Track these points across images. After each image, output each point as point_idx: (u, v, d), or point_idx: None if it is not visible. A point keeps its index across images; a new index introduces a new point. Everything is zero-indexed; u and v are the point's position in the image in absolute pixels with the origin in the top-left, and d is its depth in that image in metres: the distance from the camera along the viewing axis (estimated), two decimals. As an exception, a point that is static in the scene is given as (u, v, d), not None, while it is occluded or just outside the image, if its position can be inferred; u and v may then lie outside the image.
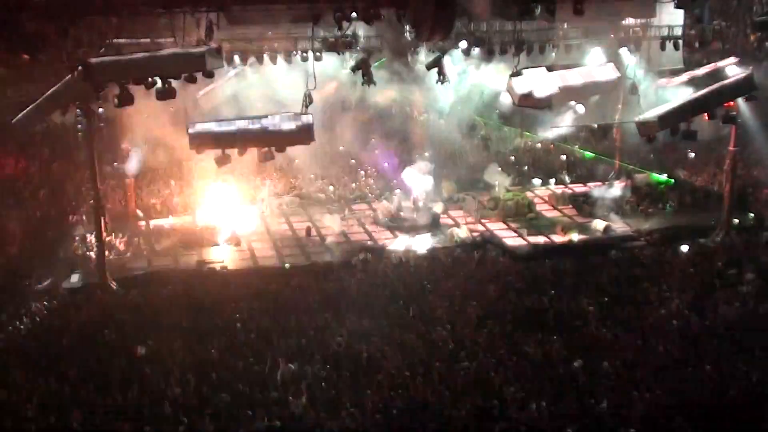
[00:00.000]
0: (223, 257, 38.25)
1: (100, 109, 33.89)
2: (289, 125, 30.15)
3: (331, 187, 47.97)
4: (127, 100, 28.78)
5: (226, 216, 42.02)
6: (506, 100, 39.39)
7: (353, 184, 49.09)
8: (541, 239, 39.88)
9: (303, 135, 30.37)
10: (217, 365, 24.46)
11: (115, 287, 32.95)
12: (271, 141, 30.40)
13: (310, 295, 30.53)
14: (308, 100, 30.68)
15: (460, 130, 56.20)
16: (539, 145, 55.50)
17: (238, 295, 31.24)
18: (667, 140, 36.83)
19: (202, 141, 30.45)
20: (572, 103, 39.45)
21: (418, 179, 44.82)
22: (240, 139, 30.37)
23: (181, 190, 45.66)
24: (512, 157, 52.88)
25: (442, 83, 37.18)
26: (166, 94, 29.20)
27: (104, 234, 34.45)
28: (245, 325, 27.60)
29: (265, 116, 31.00)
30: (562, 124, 43.20)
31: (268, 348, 25.52)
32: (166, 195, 45.18)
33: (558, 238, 39.88)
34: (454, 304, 29.07)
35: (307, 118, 30.32)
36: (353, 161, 51.93)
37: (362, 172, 50.49)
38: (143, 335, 26.62)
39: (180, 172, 47.55)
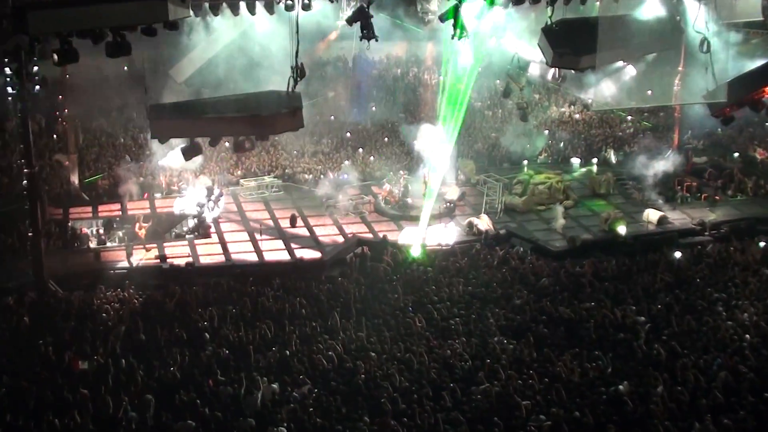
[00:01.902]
0: (188, 251, 38.57)
1: (35, 68, 33.70)
2: (274, 107, 29.89)
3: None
4: (69, 56, 28.49)
5: (191, 200, 42.28)
6: (536, 60, 39.50)
7: (346, 162, 49.27)
8: (579, 232, 40.16)
9: (290, 120, 29.88)
10: (180, 385, 24.41)
11: (53, 288, 33.08)
12: (250, 127, 30.20)
13: (295, 298, 30.51)
14: (298, 73, 29.53)
15: (483, 97, 56.58)
16: (578, 115, 55.70)
17: (207, 297, 31.31)
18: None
19: (166, 128, 30.33)
20: (620, 63, 39.33)
21: (429, 157, 44.89)
22: (213, 126, 30.26)
23: (141, 168, 46.09)
24: (545, 131, 53.11)
25: (460, 38, 36.84)
26: (118, 50, 28.79)
27: (40, 222, 34.46)
28: (215, 336, 27.56)
29: (243, 96, 30.84)
30: (607, 93, 43.24)
31: (243, 364, 25.42)
32: (118, 173, 45.46)
33: (601, 230, 40.23)
34: (472, 312, 29.05)
35: (295, 99, 29.76)
36: (348, 134, 52.07)
37: (360, 150, 50.62)
38: (88, 347, 26.58)
39: (136, 146, 48.06)
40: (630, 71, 40.62)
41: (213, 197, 42.53)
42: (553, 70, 49.52)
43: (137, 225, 40.57)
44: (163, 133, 30.71)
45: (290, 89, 29.17)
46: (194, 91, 42.38)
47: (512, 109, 53.85)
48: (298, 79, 29.17)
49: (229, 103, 30.84)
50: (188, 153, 31.04)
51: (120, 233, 40.68)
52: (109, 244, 39.53)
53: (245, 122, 29.80)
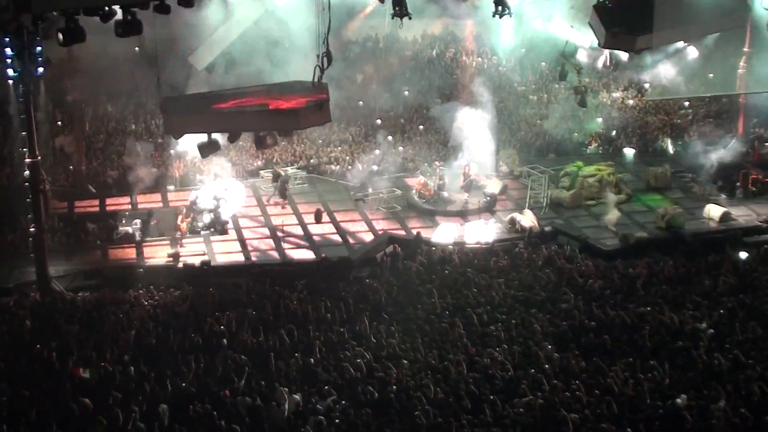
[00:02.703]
0: (203, 249, 38.83)
1: (39, 48, 33.89)
2: (298, 100, 29.92)
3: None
4: (76, 36, 28.62)
5: (207, 193, 42.48)
6: (584, 46, 39.38)
7: (376, 152, 49.30)
8: (633, 230, 39.96)
9: (316, 113, 30.07)
10: (195, 395, 24.47)
11: (58, 288, 33.41)
12: (272, 122, 30.38)
13: (320, 301, 30.60)
14: (325, 62, 29.51)
15: (527, 81, 56.42)
16: (632, 101, 55.42)
17: (224, 300, 31.48)
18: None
19: (181, 123, 30.68)
20: (680, 44, 39.11)
21: (468, 147, 44.88)
22: (231, 120, 30.43)
23: (157, 156, 46.43)
24: (598, 119, 52.91)
25: (501, 17, 36.89)
26: (129, 29, 28.99)
27: (44, 218, 34.82)
28: (232, 341, 27.68)
29: (264, 87, 30.82)
30: (665, 78, 43.06)
31: (263, 373, 25.50)
32: (126, 163, 45.76)
33: (657, 228, 40.03)
34: (514, 317, 28.99)
35: (321, 90, 29.84)
36: (379, 121, 52.09)
37: (391, 138, 50.63)
38: (94, 353, 26.79)
39: (147, 133, 48.34)
40: (691, 53, 40.36)
41: (230, 190, 42.72)
42: (603, 56, 49.51)
43: (180, 218, 40.94)
44: (178, 128, 31.02)
45: (316, 78, 29.17)
46: (212, 78, 42.73)
47: (559, 94, 53.80)
48: (325, 67, 29.19)
49: (249, 94, 30.96)
50: (205, 150, 31.16)
51: (157, 226, 41.08)
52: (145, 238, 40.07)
53: (267, 116, 29.90)
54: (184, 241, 39.52)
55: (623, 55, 53.48)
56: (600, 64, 55.77)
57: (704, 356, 25.86)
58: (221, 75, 45.41)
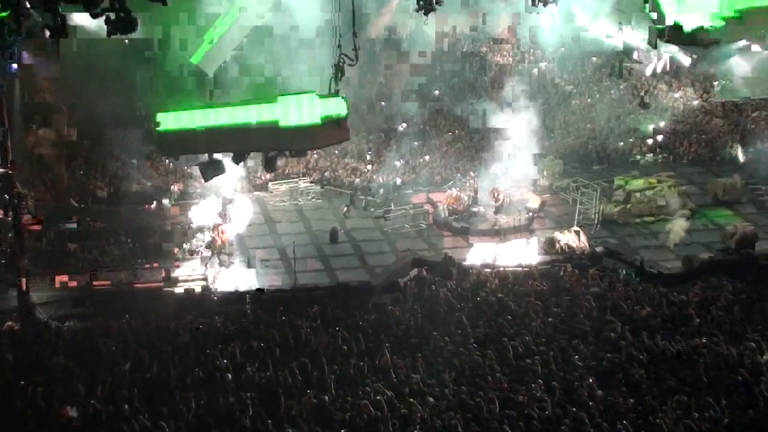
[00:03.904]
0: (204, 272, 39.62)
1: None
2: (311, 116, 29.80)
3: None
4: (63, 32, 28.74)
5: (209, 209, 43.32)
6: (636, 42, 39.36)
7: (398, 162, 50.08)
8: (697, 250, 39.99)
9: (333, 131, 30.27)
10: (199, 429, 25.20)
11: (41, 317, 34.34)
12: (283, 141, 30.44)
13: (336, 331, 31.10)
14: (339, 71, 29.98)
15: (576, 80, 56.34)
16: (697, 102, 55.41)
17: (227, 329, 32.11)
18: None
19: (178, 141, 30.74)
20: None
21: (504, 156, 45.27)
22: (236, 139, 30.33)
23: (147, 168, 47.17)
24: (661, 123, 52.87)
25: (546, 4, 36.32)
26: (121, 26, 28.72)
27: (25, 236, 35.69)
28: (237, 377, 28.21)
29: (274, 99, 30.60)
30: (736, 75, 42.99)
31: (271, 412, 25.97)
32: (116, 175, 46.53)
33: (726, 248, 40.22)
34: (553, 349, 29.44)
35: (338, 105, 29.89)
36: (403, 125, 52.60)
37: (415, 144, 50.89)
38: (83, 389, 27.50)
39: (139, 141, 48.87)
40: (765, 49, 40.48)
41: (235, 206, 43.54)
42: (662, 61, 49.59)
43: (217, 232, 41.65)
44: (175, 147, 31.53)
45: (332, 89, 29.74)
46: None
47: (614, 93, 53.83)
48: (339, 77, 29.67)
49: (256, 109, 30.66)
50: (207, 171, 31.21)
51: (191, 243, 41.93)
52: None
53: (277, 134, 29.94)
54: (182, 263, 40.20)
55: (684, 59, 53.84)
56: (659, 68, 55.67)
57: (766, 393, 26.11)
58: (233, 79, 46.09)
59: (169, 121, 30.26)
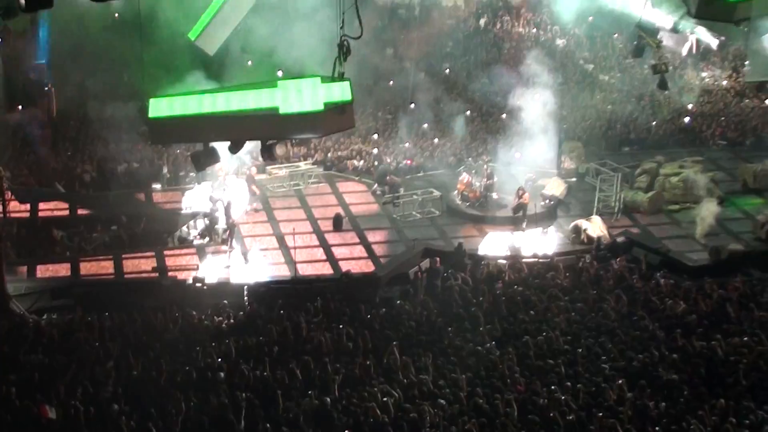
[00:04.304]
0: (196, 262, 39.29)
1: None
2: (313, 103, 29.21)
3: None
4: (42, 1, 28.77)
5: (202, 194, 42.74)
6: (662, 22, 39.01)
7: (406, 144, 49.40)
8: (726, 241, 39.85)
9: (336, 119, 29.33)
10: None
11: (19, 310, 33.75)
12: (283, 129, 30.00)
13: (339, 327, 30.79)
14: (344, 52, 29.00)
15: (597, 57, 56.38)
16: (726, 82, 55.21)
17: (221, 324, 31.79)
18: None
19: (170, 131, 30.22)
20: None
21: (522, 139, 44.91)
22: (232, 127, 29.83)
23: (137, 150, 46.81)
24: (689, 105, 52.73)
25: None
26: None
27: (1, 223, 35.20)
28: (231, 376, 27.81)
29: (273, 83, 30.47)
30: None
31: (268, 415, 25.56)
32: (104, 158, 46.14)
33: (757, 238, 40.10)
34: (578, 348, 28.93)
35: (342, 90, 29.11)
36: (413, 105, 52.11)
37: (426, 126, 50.64)
38: (62, 388, 26.97)
39: (128, 120, 48.58)
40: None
41: (230, 191, 42.94)
42: (689, 42, 49.43)
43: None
44: (166, 135, 30.93)
45: (336, 73, 29.18)
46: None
47: (638, 73, 53.69)
48: (343, 58, 29.15)
49: (253, 95, 30.26)
50: (201, 160, 30.98)
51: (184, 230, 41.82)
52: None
53: (276, 123, 29.41)
54: (173, 252, 39.90)
55: (712, 40, 53.64)
56: (685, 51, 55.73)
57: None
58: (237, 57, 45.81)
59: (161, 107, 29.42)
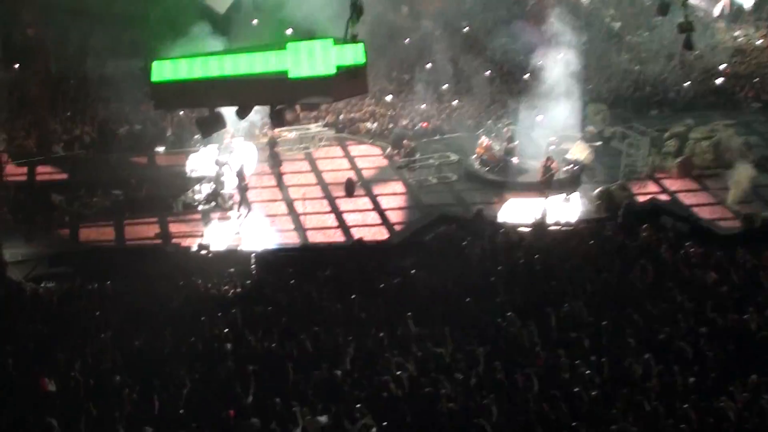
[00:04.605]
0: (201, 229, 39.39)
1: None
2: (325, 66, 29.51)
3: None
4: None
5: (208, 157, 42.63)
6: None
7: (422, 106, 49.16)
8: (759, 207, 39.72)
9: (349, 84, 29.46)
10: (190, 415, 24.50)
11: (16, 278, 33.88)
12: (293, 93, 29.91)
13: (350, 297, 30.67)
14: (357, 12, 28.97)
15: (624, 15, 56.10)
16: (761, 41, 54.84)
17: (227, 294, 31.93)
18: None
19: (174, 95, 30.31)
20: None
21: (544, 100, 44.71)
22: (239, 92, 29.90)
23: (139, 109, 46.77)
24: (721, 66, 52.40)
25: None
26: None
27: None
28: (238, 348, 27.81)
29: (282, 45, 30.33)
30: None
31: (277, 388, 25.49)
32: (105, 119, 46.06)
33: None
34: (603, 319, 28.61)
35: (355, 53, 29.08)
36: (429, 65, 51.87)
37: (446, 86, 50.43)
38: (63, 360, 27.01)
39: (130, 78, 48.51)
40: None
41: (238, 154, 42.79)
42: (721, 3, 49.24)
43: None
44: (170, 100, 30.83)
45: (349, 35, 29.01)
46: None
47: (667, 32, 53.33)
48: (356, 18, 28.95)
49: (260, 57, 29.78)
50: (206, 127, 31.05)
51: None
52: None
53: (285, 87, 29.28)
54: (177, 218, 40.03)
55: (747, 1, 53.31)
56: (717, 11, 55.44)
57: None
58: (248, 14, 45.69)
59: (164, 70, 29.51)
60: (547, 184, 41.81)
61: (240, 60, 29.25)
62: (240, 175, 41.10)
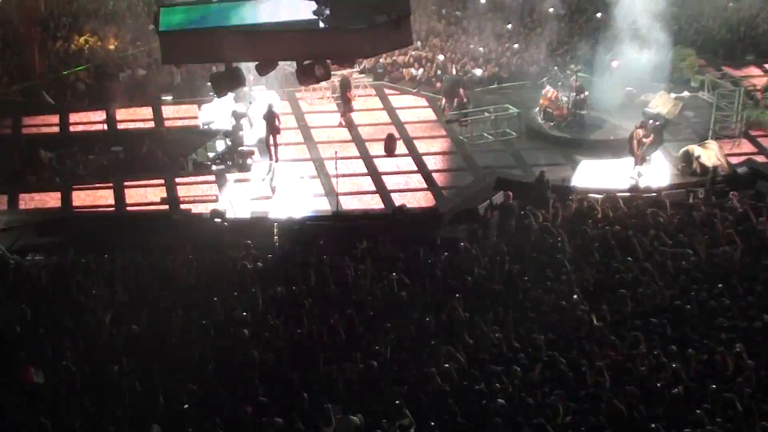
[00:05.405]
0: (215, 192, 39.60)
1: None
2: (361, 15, 29.43)
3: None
4: None
5: (223, 108, 42.73)
6: None
7: (480, 49, 49.07)
8: None
9: (390, 34, 29.66)
10: (202, 411, 24.62)
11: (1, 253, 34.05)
12: (323, 47, 30.05)
13: (390, 275, 30.67)
14: None
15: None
16: None
17: (245, 270, 31.80)
18: None
19: (186, 48, 30.56)
20: None
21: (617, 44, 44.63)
22: (261, 45, 30.07)
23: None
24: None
25: None
26: None
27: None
28: (258, 333, 27.93)
29: None
30: None
31: (303, 381, 25.56)
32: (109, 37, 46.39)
33: None
34: (688, 304, 28.63)
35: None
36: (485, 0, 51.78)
37: (509, 26, 50.31)
38: (52, 347, 27.18)
39: (133, 14, 48.70)
40: None
41: (257, 105, 42.86)
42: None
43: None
44: (180, 53, 31.03)
45: None
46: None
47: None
48: None
49: (288, 6, 30.16)
50: (222, 84, 31.18)
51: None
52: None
53: (314, 40, 29.61)
54: (187, 179, 40.18)
55: None
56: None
57: None
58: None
59: (174, 19, 29.98)
60: (640, 158, 41.21)
61: (262, 7, 29.50)
62: (269, 121, 40.95)
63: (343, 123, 44.25)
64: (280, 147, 41.85)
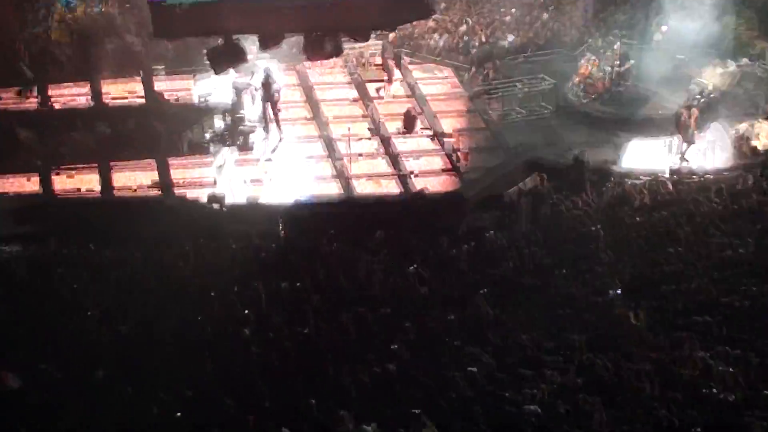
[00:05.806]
0: (213, 174, 39.93)
1: None
2: None
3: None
4: None
5: (223, 80, 42.99)
6: None
7: (508, 17, 49.16)
8: None
9: (407, 5, 30.53)
10: (198, 419, 25.01)
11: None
12: (334, 19, 30.59)
13: (408, 267, 31.12)
14: None
15: None
16: None
17: (248, 261, 32.34)
18: None
19: (181, 20, 30.86)
20: None
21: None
22: (267, 17, 30.61)
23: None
24: None
25: None
26: None
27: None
28: (261, 332, 28.21)
29: None
30: None
31: (312, 386, 25.79)
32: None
33: None
34: (738, 301, 28.89)
35: None
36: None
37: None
38: (31, 348, 27.51)
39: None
40: None
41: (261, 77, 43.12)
42: None
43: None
44: (175, 26, 31.44)
45: None
46: None
47: None
48: None
49: None
50: (220, 60, 31.47)
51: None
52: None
53: (324, 10, 30.01)
54: (182, 160, 40.44)
55: None
56: None
57: None
58: None
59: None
60: (688, 137, 41.39)
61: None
62: (266, 89, 41.12)
63: (383, 94, 44.34)
64: (287, 123, 41.92)
